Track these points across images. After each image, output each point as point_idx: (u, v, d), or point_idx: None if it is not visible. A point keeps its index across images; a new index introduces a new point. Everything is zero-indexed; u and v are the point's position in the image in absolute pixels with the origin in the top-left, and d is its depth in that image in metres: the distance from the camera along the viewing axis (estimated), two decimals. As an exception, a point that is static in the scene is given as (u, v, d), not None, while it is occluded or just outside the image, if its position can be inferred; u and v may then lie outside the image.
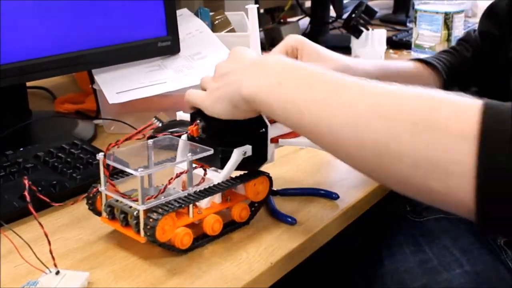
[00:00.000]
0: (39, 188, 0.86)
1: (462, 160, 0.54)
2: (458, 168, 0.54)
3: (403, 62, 1.14)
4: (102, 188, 0.76)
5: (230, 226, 0.81)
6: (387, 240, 1.05)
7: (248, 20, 0.87)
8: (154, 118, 0.80)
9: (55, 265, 0.68)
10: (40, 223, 0.67)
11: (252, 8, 0.84)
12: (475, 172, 0.53)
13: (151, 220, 0.70)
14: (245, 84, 0.72)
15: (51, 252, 0.67)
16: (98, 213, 0.79)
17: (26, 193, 0.67)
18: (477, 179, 0.53)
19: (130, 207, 0.73)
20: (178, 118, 0.86)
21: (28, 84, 1.20)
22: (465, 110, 0.56)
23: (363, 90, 0.64)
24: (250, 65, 0.74)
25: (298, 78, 0.69)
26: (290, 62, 0.73)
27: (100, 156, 0.74)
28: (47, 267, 0.68)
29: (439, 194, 0.57)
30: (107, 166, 0.75)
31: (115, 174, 0.78)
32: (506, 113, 0.54)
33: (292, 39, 0.94)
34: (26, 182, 0.68)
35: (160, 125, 0.80)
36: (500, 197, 0.53)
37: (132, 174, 0.72)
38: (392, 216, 1.10)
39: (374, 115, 0.61)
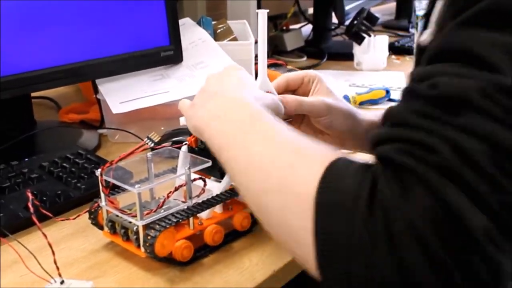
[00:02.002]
0: (44, 198, 0.87)
1: (302, 226, 0.54)
2: (300, 235, 0.54)
3: None
4: (102, 204, 0.77)
5: (232, 236, 0.81)
6: None
7: (257, 25, 0.87)
8: (146, 138, 0.81)
9: (60, 275, 0.69)
10: (44, 234, 0.68)
11: (263, 13, 0.84)
12: (314, 243, 0.53)
13: (149, 237, 0.71)
14: (196, 116, 0.75)
15: (55, 262, 0.68)
16: (101, 227, 0.79)
17: (29, 205, 0.67)
18: (315, 250, 0.53)
19: (130, 222, 0.74)
20: (181, 123, 0.87)
21: (33, 94, 1.21)
22: (307, 172, 0.56)
23: (265, 136, 0.65)
24: (210, 96, 0.76)
25: (233, 118, 0.70)
26: (238, 97, 0.73)
27: (98, 173, 0.75)
28: (52, 277, 0.68)
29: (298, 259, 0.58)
30: (107, 182, 0.75)
31: (117, 187, 0.78)
32: (345, 179, 0.53)
33: (313, 72, 0.94)
34: (29, 195, 0.68)
35: (152, 145, 0.81)
36: (336, 274, 0.52)
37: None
38: None
39: (252, 166, 0.63)
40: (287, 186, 0.58)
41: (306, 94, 0.91)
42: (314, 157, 0.59)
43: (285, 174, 0.58)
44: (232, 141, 0.67)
